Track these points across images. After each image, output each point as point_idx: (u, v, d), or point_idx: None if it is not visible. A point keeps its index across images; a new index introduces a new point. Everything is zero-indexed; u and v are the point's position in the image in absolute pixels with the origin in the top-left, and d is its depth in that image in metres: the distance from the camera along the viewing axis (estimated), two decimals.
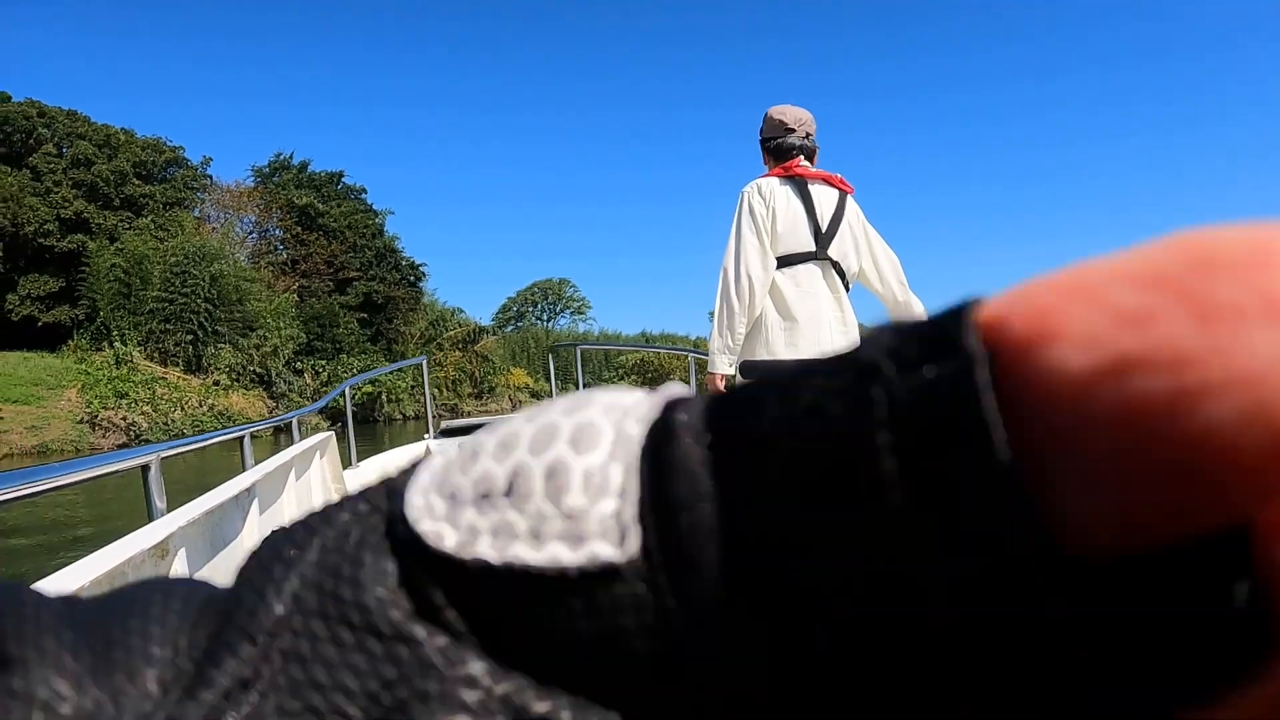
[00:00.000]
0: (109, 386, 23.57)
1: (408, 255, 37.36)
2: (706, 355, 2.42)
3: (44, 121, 27.96)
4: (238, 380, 27.03)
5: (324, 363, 30.62)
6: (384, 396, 30.47)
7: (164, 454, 1.98)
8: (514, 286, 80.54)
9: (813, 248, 2.27)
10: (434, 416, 5.61)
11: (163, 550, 1.40)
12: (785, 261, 2.26)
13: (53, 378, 23.74)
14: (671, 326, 58.45)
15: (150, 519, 1.66)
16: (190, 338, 26.61)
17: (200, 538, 1.65)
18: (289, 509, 2.68)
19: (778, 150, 2.31)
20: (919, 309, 2.39)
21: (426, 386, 5.74)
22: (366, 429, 21.28)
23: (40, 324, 26.69)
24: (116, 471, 1.79)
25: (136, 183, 28.95)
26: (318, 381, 30.09)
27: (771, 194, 2.26)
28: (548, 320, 55.05)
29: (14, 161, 27.28)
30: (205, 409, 24.30)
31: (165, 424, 23.42)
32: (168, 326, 26.45)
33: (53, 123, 28.07)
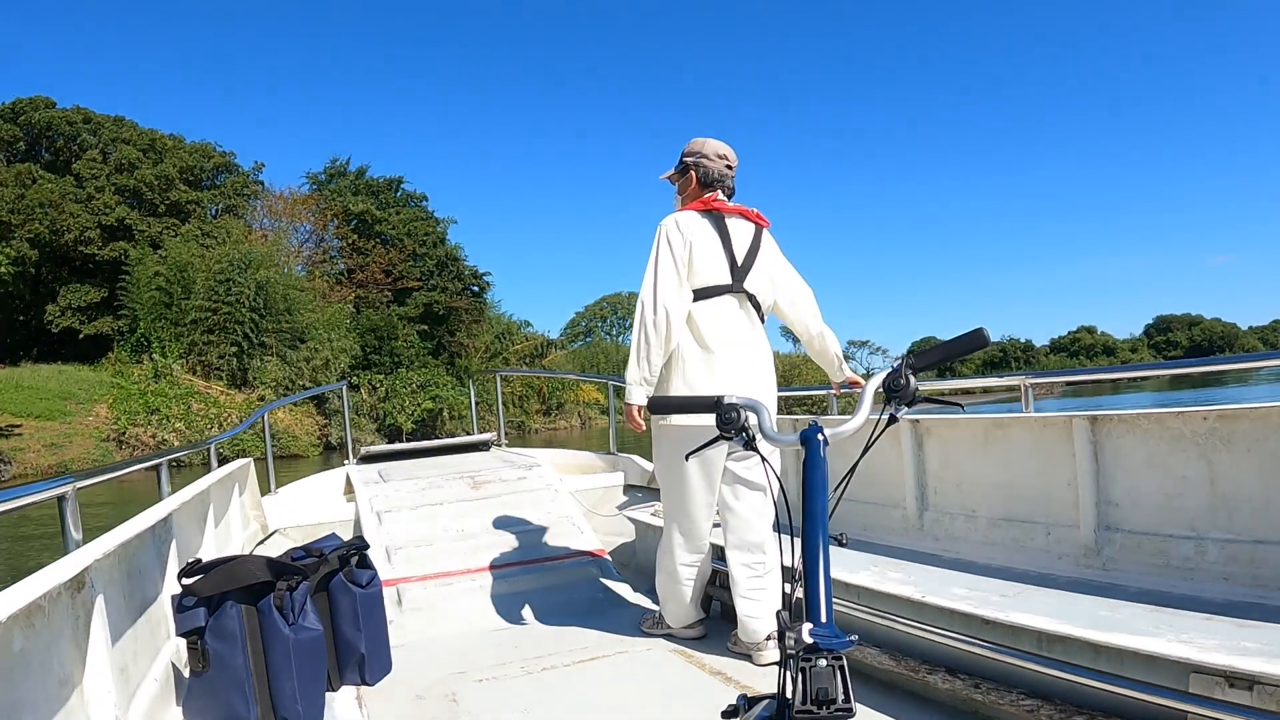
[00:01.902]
0: (140, 401, 21.99)
1: (470, 264, 35.26)
2: (623, 382, 2.52)
3: (89, 128, 27.21)
4: (286, 395, 25.11)
5: (381, 377, 28.67)
6: (445, 413, 28.38)
7: (80, 484, 1.92)
8: (583, 300, 78.55)
9: (729, 280, 2.43)
10: (354, 442, 6.02)
11: (79, 583, 1.44)
12: (702, 294, 2.41)
13: (84, 391, 22.38)
14: None
15: (65, 551, 1.72)
16: (234, 349, 24.99)
17: (117, 569, 1.72)
18: (208, 537, 2.78)
19: (704, 176, 2.50)
20: (832, 340, 2.61)
21: (346, 412, 6.57)
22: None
23: (82, 336, 25.58)
24: (32, 503, 1.71)
25: (183, 188, 27.81)
26: (375, 397, 28.19)
27: (689, 227, 2.42)
28: (617, 335, 53.01)
29: (58, 169, 26.52)
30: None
31: (199, 441, 21.62)
32: (211, 338, 24.92)
33: (99, 129, 27.28)
